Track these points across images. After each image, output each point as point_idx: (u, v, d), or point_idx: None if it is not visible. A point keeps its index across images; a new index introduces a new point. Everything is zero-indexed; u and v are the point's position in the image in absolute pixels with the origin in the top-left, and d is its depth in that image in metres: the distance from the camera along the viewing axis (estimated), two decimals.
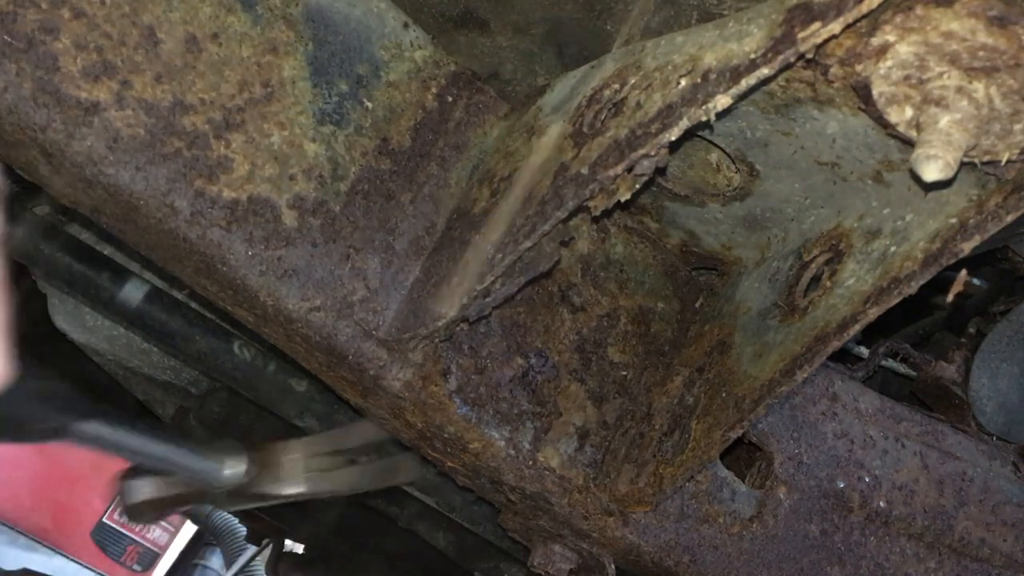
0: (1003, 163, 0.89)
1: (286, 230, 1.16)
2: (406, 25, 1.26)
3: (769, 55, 0.85)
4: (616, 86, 1.07)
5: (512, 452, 1.25)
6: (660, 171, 1.00)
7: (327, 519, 2.61)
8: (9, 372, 0.53)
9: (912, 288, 0.97)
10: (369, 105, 1.23)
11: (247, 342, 1.75)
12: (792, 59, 0.84)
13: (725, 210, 1.27)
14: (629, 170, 0.98)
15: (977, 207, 0.94)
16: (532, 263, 1.09)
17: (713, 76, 0.90)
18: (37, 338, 2.26)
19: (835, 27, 0.80)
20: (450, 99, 1.28)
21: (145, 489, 1.22)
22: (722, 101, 0.89)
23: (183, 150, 1.11)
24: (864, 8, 0.78)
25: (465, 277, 1.12)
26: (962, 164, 0.86)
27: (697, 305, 1.41)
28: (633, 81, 1.04)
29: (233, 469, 1.15)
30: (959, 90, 0.83)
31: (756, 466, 1.41)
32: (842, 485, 1.41)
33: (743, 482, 1.38)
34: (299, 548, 2.76)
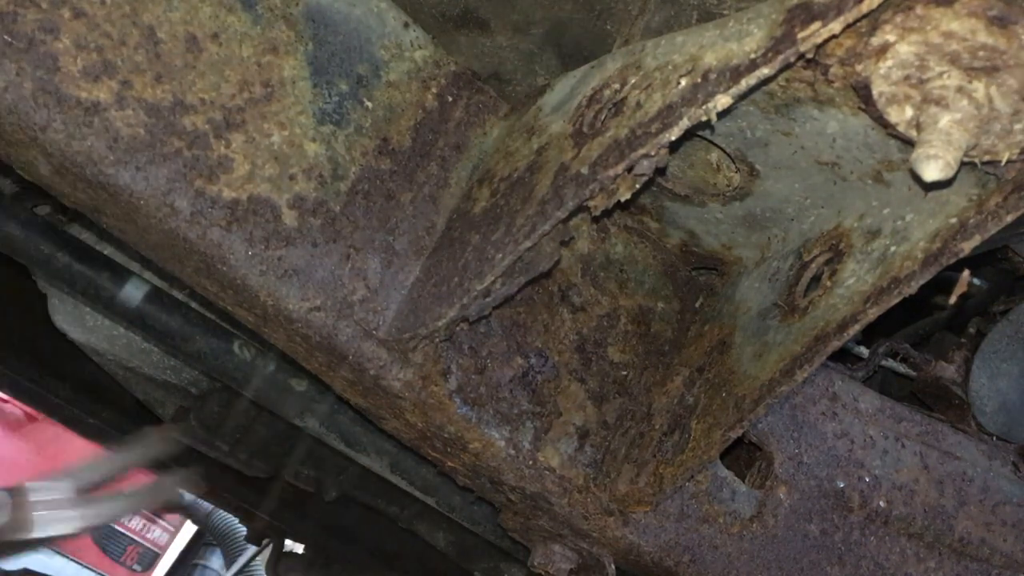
0: (1003, 163, 0.89)
1: (286, 230, 1.16)
2: (406, 25, 1.26)
3: (769, 55, 0.85)
4: (616, 86, 1.07)
5: (512, 452, 1.25)
6: (660, 171, 1.00)
7: (327, 519, 2.61)
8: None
9: (912, 288, 0.97)
10: (369, 105, 1.23)
11: (247, 342, 1.75)
12: (792, 59, 0.84)
13: (725, 210, 1.27)
14: (629, 170, 0.98)
15: (977, 207, 0.94)
16: (532, 263, 1.09)
17: (713, 76, 0.91)
18: (37, 338, 2.26)
19: (835, 27, 0.80)
20: (450, 99, 1.28)
21: None
22: (722, 101, 0.89)
23: (183, 150, 1.11)
24: (864, 8, 0.78)
25: (465, 277, 1.12)
26: (962, 164, 0.86)
27: (697, 305, 1.41)
28: (633, 81, 1.04)
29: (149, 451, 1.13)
30: (959, 90, 0.83)
31: (756, 466, 1.41)
32: (842, 485, 1.41)
33: (743, 482, 1.38)
34: (299, 548, 2.76)
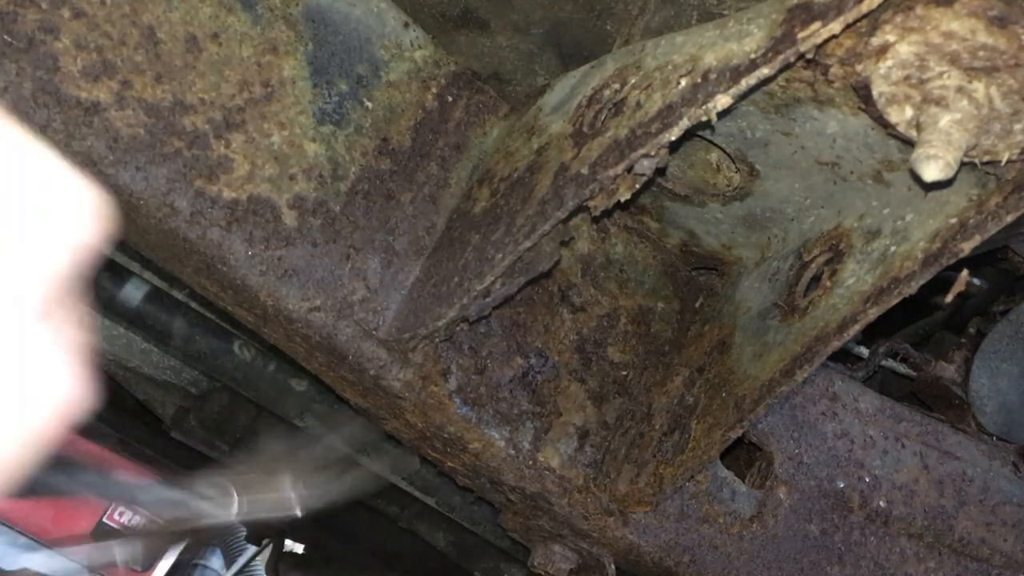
0: (1003, 163, 0.89)
1: (286, 230, 1.16)
2: (406, 25, 1.26)
3: (769, 55, 0.85)
4: (616, 86, 1.07)
5: (512, 452, 1.25)
6: (660, 171, 1.00)
7: (327, 519, 2.61)
8: (91, 398, 0.50)
9: (912, 288, 0.97)
10: (369, 105, 1.23)
11: (247, 342, 1.74)
12: (792, 59, 0.84)
13: (725, 210, 1.27)
14: (629, 170, 0.98)
15: (977, 207, 0.94)
16: (532, 263, 1.09)
17: (713, 76, 0.90)
18: None
19: (835, 27, 0.80)
20: (450, 99, 1.28)
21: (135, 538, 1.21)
22: (722, 101, 0.89)
23: (183, 150, 1.11)
24: (864, 8, 0.78)
25: (465, 277, 1.12)
26: (962, 164, 0.86)
27: (697, 305, 1.41)
28: (633, 81, 1.04)
29: (229, 507, 1.14)
30: (959, 90, 0.83)
31: (756, 466, 1.41)
32: (842, 485, 1.41)
33: (743, 482, 1.38)
34: (299, 548, 2.76)
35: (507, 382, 1.27)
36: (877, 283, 1.01)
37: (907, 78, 0.86)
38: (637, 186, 1.00)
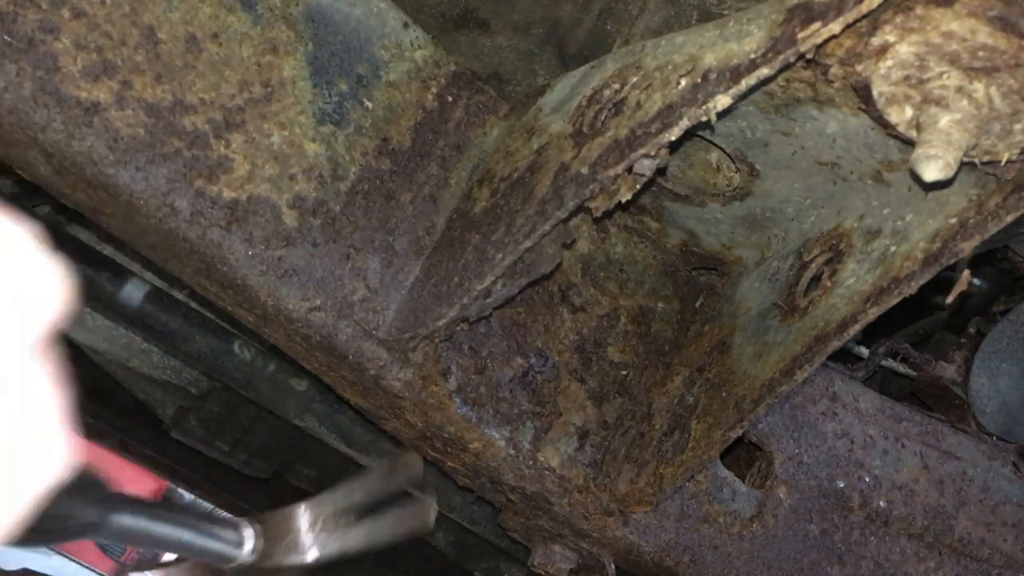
0: (1003, 163, 0.89)
1: (286, 230, 1.16)
2: (406, 25, 1.26)
3: (769, 55, 0.85)
4: (616, 86, 1.07)
5: (512, 452, 1.25)
6: (660, 171, 1.00)
7: None
8: (69, 460, 0.54)
9: (912, 288, 0.97)
10: (369, 105, 1.23)
11: (247, 342, 1.75)
12: (792, 59, 0.84)
13: (725, 210, 1.27)
14: (629, 170, 0.98)
15: (977, 207, 0.94)
16: (534, 264, 1.09)
17: (713, 76, 0.90)
18: None
19: (835, 27, 0.80)
20: (450, 99, 1.28)
21: None
22: (722, 101, 0.89)
23: (183, 150, 1.11)
24: (864, 8, 0.78)
25: (465, 277, 1.12)
26: (962, 164, 0.86)
27: (697, 305, 1.41)
28: (633, 81, 1.04)
29: (246, 548, 1.14)
30: (959, 90, 0.83)
31: (756, 466, 1.41)
32: (842, 485, 1.41)
33: (743, 482, 1.38)
34: None
35: (507, 382, 1.27)
36: (877, 283, 1.01)
37: (907, 78, 0.86)
38: (638, 186, 1.00)
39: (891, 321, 1.31)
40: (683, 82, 0.94)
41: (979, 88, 0.83)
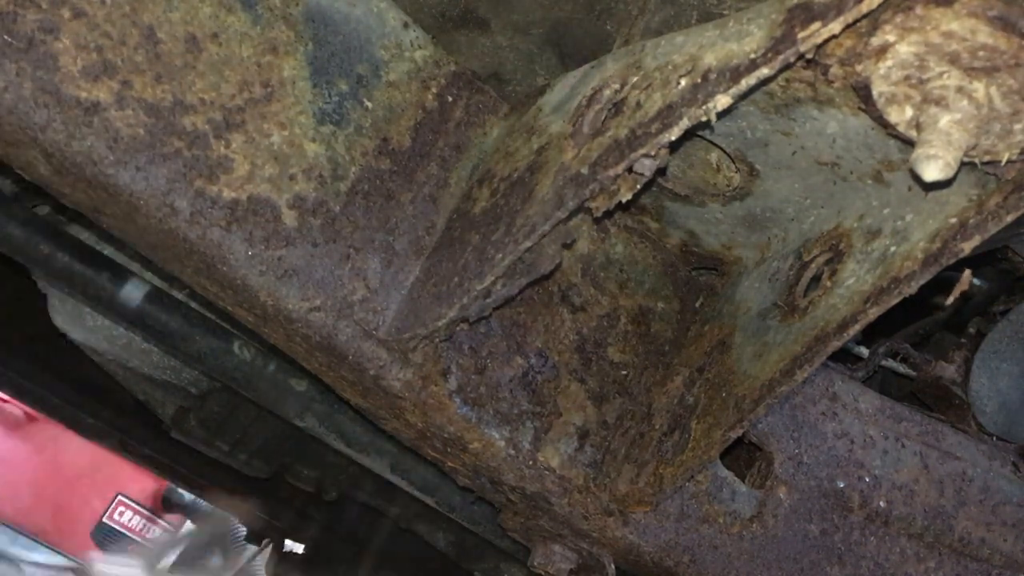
0: (1003, 163, 0.89)
1: (286, 230, 1.16)
2: (406, 25, 1.26)
3: (769, 55, 0.85)
4: (616, 86, 1.07)
5: (512, 452, 1.25)
6: (660, 171, 1.00)
7: (327, 519, 2.61)
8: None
9: (912, 288, 0.97)
10: (369, 105, 1.23)
11: (247, 342, 1.75)
12: (792, 59, 0.84)
13: (725, 210, 1.27)
14: (629, 170, 0.98)
15: (977, 207, 0.94)
16: (534, 264, 1.09)
17: (713, 76, 0.90)
18: (37, 338, 2.26)
19: (835, 27, 0.80)
20: (450, 99, 1.28)
21: None
22: (722, 101, 0.89)
23: (183, 150, 1.11)
24: (864, 8, 0.78)
25: (465, 277, 1.12)
26: (962, 164, 0.86)
27: (697, 305, 1.41)
28: (633, 81, 1.04)
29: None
30: (959, 90, 0.83)
31: (756, 466, 1.41)
32: (842, 485, 1.41)
33: (743, 482, 1.38)
34: (299, 548, 2.76)
35: (507, 382, 1.27)
36: (877, 283, 1.01)
37: (907, 78, 0.86)
38: (638, 186, 1.00)
39: (891, 321, 1.31)
40: (683, 82, 0.94)
41: (979, 88, 0.83)
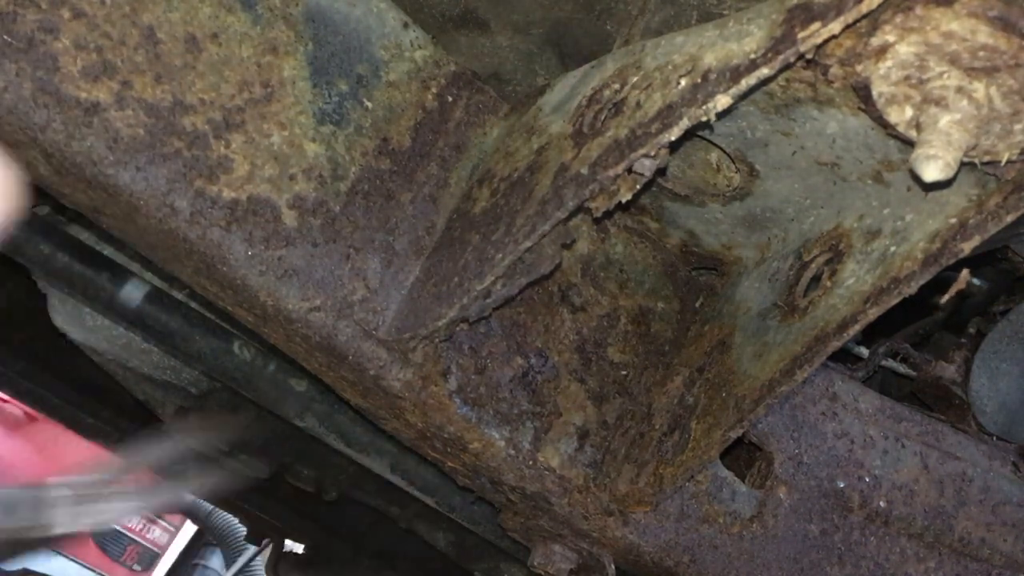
0: (1003, 163, 0.89)
1: (286, 230, 1.16)
2: (406, 25, 1.26)
3: (769, 55, 0.85)
4: (616, 86, 1.07)
5: (512, 452, 1.25)
6: (660, 171, 1.00)
7: (327, 519, 2.61)
8: (16, 204, 0.59)
9: (912, 288, 0.97)
10: (369, 105, 1.23)
11: (247, 342, 1.75)
12: (792, 59, 0.84)
13: (725, 210, 1.27)
14: (629, 170, 0.98)
15: (977, 207, 0.94)
16: (534, 265, 1.09)
17: (713, 76, 0.91)
18: (37, 338, 2.26)
19: (835, 27, 0.80)
20: (450, 99, 1.28)
21: None
22: (722, 101, 0.89)
23: (183, 150, 1.11)
24: (864, 8, 0.78)
25: (465, 277, 1.12)
26: (962, 164, 0.86)
27: (697, 305, 1.41)
28: (633, 81, 1.04)
29: (74, 516, 1.13)
30: (959, 90, 0.83)
31: (756, 466, 1.41)
32: (842, 485, 1.41)
33: (743, 482, 1.38)
34: (299, 548, 2.76)
35: (507, 382, 1.27)
36: (877, 283, 1.01)
37: (907, 78, 0.86)
38: (638, 186, 1.00)
39: (891, 321, 1.31)
40: (683, 82, 0.94)
41: (979, 88, 0.83)
